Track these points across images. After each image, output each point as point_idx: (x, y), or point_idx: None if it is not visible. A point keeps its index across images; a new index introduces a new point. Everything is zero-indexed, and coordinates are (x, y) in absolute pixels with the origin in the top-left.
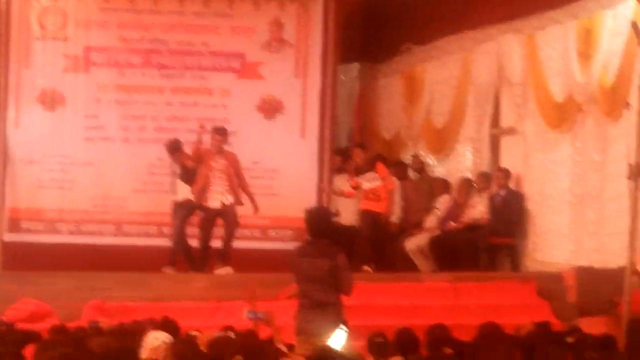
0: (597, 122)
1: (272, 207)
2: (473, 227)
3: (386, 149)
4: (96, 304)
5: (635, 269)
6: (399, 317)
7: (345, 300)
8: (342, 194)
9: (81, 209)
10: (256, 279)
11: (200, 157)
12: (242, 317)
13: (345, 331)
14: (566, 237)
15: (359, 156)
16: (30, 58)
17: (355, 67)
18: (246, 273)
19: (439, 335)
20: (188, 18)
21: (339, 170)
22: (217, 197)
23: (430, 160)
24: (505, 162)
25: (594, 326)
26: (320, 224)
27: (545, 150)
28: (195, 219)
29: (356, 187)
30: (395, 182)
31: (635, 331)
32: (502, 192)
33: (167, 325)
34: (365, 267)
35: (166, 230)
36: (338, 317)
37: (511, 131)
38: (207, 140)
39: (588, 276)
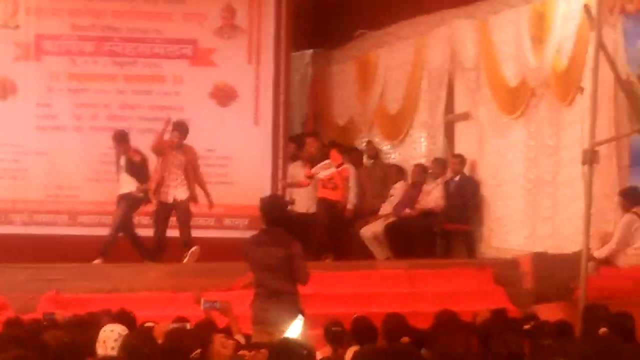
0: (550, 107)
1: (226, 195)
2: (428, 214)
3: (340, 136)
4: (51, 295)
5: (591, 254)
6: (355, 306)
7: (302, 289)
8: (298, 184)
9: (34, 199)
10: (211, 268)
11: (161, 150)
12: (198, 307)
13: (302, 320)
14: (521, 222)
15: (312, 145)
16: None
17: (308, 53)
18: (201, 262)
19: (396, 324)
20: (140, 5)
21: (293, 157)
22: (171, 192)
23: (384, 146)
24: (459, 147)
25: (550, 312)
26: (275, 213)
27: (499, 135)
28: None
29: (311, 177)
30: (350, 169)
31: (590, 317)
32: (457, 178)
33: (123, 316)
34: (326, 257)
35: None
36: (294, 306)
37: (465, 117)
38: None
39: (544, 262)
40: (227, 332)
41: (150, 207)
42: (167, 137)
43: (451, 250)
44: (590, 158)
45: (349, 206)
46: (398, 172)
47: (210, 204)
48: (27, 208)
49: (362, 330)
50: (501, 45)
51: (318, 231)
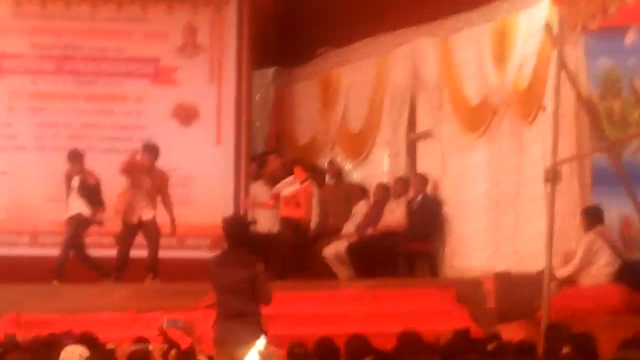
0: (512, 125)
1: (189, 215)
2: (391, 233)
3: (303, 155)
4: (12, 317)
5: (554, 273)
6: (318, 326)
7: (264, 309)
8: (262, 205)
9: None
10: (173, 288)
11: (129, 171)
12: (161, 327)
13: (265, 341)
14: (483, 241)
15: (275, 162)
16: None
17: (270, 71)
18: (163, 282)
19: (359, 344)
20: (101, 23)
21: (255, 177)
22: (136, 212)
23: (347, 165)
24: (422, 166)
25: (513, 332)
26: (238, 233)
27: (462, 154)
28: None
29: (276, 197)
30: (313, 187)
31: (553, 336)
32: (419, 197)
33: (85, 338)
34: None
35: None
36: (257, 327)
37: (428, 135)
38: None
39: (506, 281)
40: (191, 352)
41: (113, 227)
42: (138, 157)
43: (414, 269)
44: (553, 176)
45: (312, 225)
46: (360, 191)
47: (173, 231)
48: None
49: (325, 352)
50: (463, 64)
51: (281, 251)
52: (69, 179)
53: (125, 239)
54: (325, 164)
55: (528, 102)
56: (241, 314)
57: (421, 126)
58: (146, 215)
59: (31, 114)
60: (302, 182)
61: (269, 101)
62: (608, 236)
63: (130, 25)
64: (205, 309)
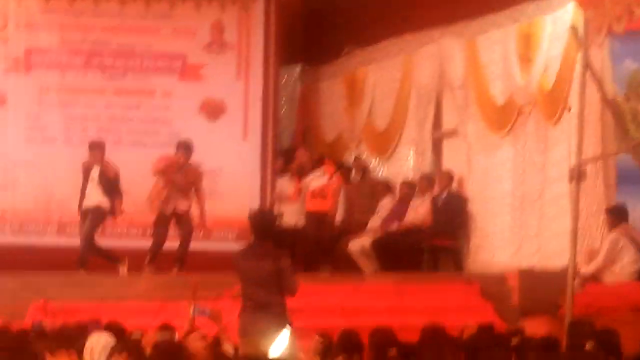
0: (538, 125)
1: (215, 207)
2: (415, 229)
3: (328, 151)
4: (40, 304)
5: (578, 270)
6: (342, 319)
7: (289, 301)
8: (286, 198)
9: (24, 209)
10: (200, 279)
11: (163, 172)
12: (187, 316)
13: (290, 332)
14: (508, 239)
15: (303, 156)
16: None
17: (297, 68)
18: (190, 273)
19: (383, 337)
20: (129, 20)
21: (281, 171)
22: (171, 203)
23: (372, 162)
24: (447, 164)
25: (536, 327)
26: (264, 226)
27: (487, 152)
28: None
29: (299, 191)
30: (341, 181)
31: (576, 332)
32: (444, 195)
33: (111, 326)
34: (322, 270)
35: (109, 229)
36: (282, 319)
37: (453, 133)
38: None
39: (531, 278)
40: (217, 340)
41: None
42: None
43: (438, 265)
44: (577, 176)
45: (338, 220)
46: (386, 187)
47: (203, 224)
48: (17, 218)
49: (349, 344)
50: (489, 64)
51: (306, 244)
52: (87, 169)
53: (159, 229)
54: (351, 161)
55: (553, 102)
56: (266, 305)
57: (447, 125)
58: (181, 207)
59: (60, 107)
60: (331, 176)
61: (296, 98)
62: (632, 235)
63: (158, 22)
64: (232, 299)
